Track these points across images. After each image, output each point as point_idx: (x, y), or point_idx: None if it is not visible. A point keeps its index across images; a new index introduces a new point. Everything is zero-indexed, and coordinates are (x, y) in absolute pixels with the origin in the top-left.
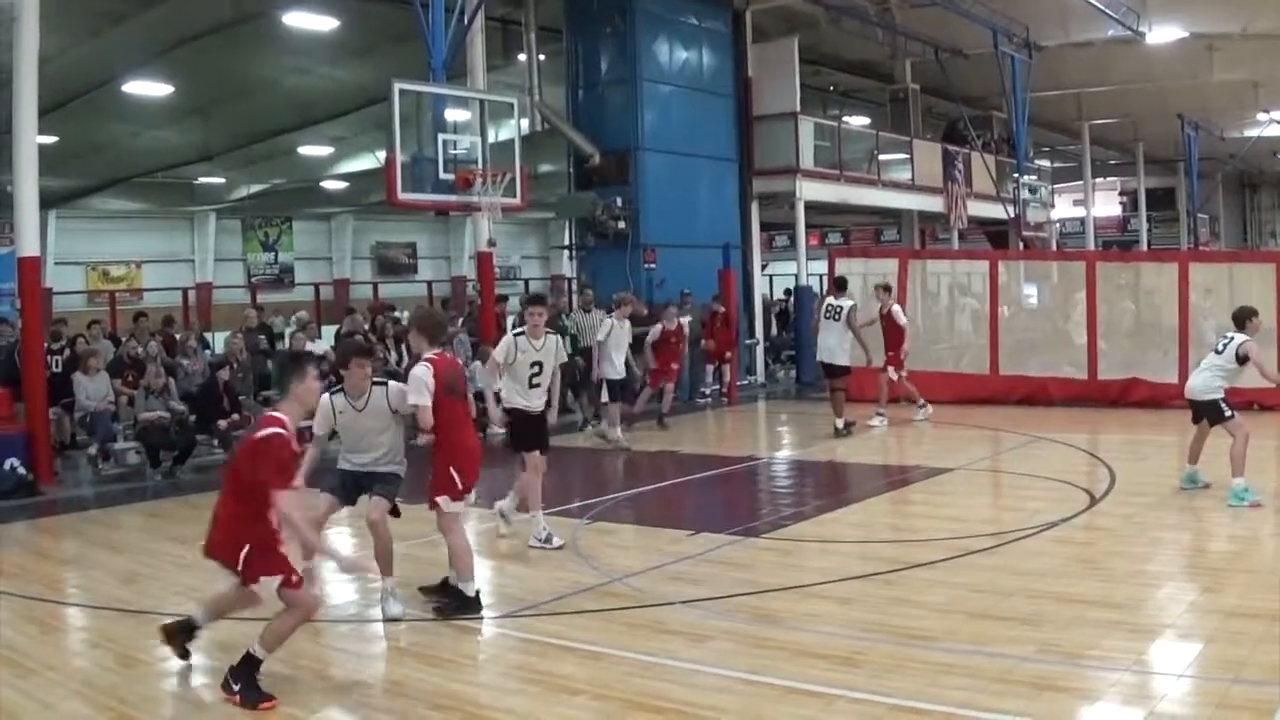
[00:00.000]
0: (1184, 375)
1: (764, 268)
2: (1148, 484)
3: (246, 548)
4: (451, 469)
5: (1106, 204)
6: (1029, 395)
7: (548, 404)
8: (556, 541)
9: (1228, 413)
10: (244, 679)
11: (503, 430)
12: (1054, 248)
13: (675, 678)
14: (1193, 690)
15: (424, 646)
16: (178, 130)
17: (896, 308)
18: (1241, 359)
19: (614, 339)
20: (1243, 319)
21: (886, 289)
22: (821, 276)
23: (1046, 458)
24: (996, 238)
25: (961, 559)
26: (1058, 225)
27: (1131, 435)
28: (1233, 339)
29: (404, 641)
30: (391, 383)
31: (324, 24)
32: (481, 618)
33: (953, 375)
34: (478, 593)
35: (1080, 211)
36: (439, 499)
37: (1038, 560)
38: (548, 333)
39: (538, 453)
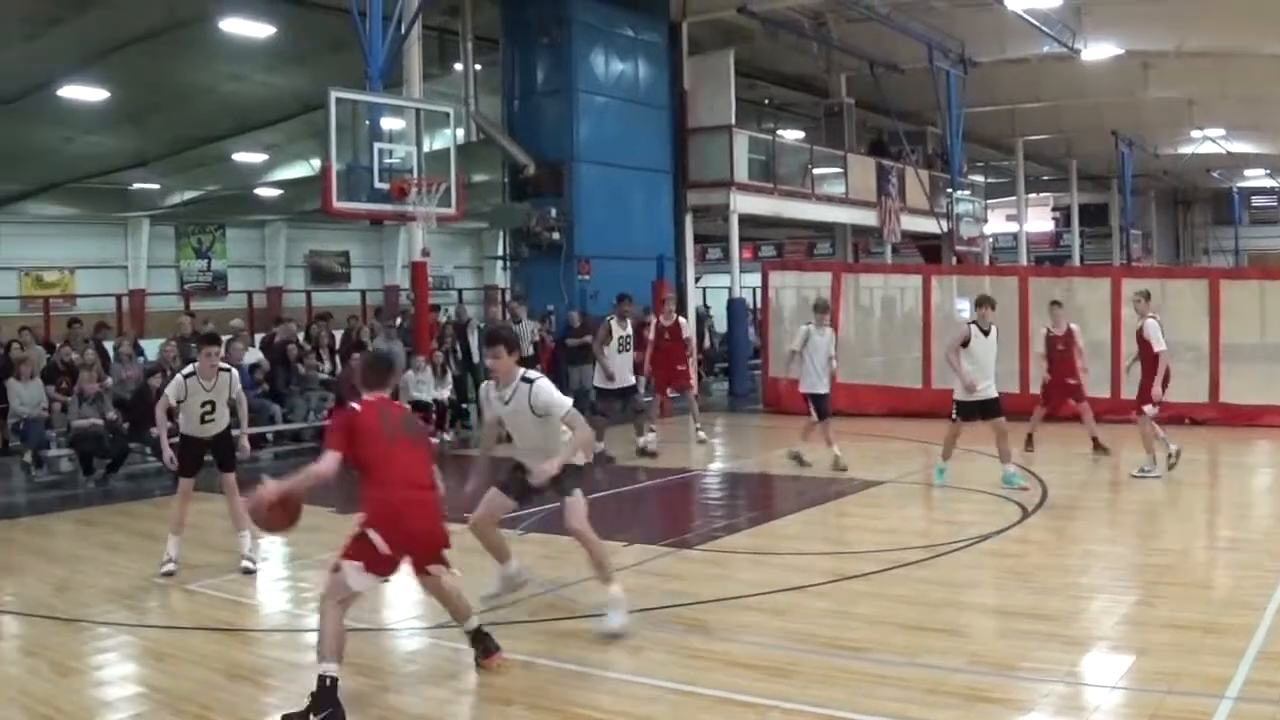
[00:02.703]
0: (1117, 389)
1: (697, 280)
2: (1080, 497)
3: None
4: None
5: (1039, 219)
6: None
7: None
8: (247, 565)
9: (953, 414)
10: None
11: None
12: (987, 263)
13: (609, 688)
14: (1126, 702)
15: (357, 656)
16: (112, 135)
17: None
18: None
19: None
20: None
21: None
22: (755, 289)
23: (979, 470)
24: (929, 252)
25: (894, 571)
26: (990, 240)
27: (1063, 448)
28: None
29: None
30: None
31: (260, 30)
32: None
33: (885, 388)
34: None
35: (1013, 227)
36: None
37: (970, 572)
38: (221, 370)
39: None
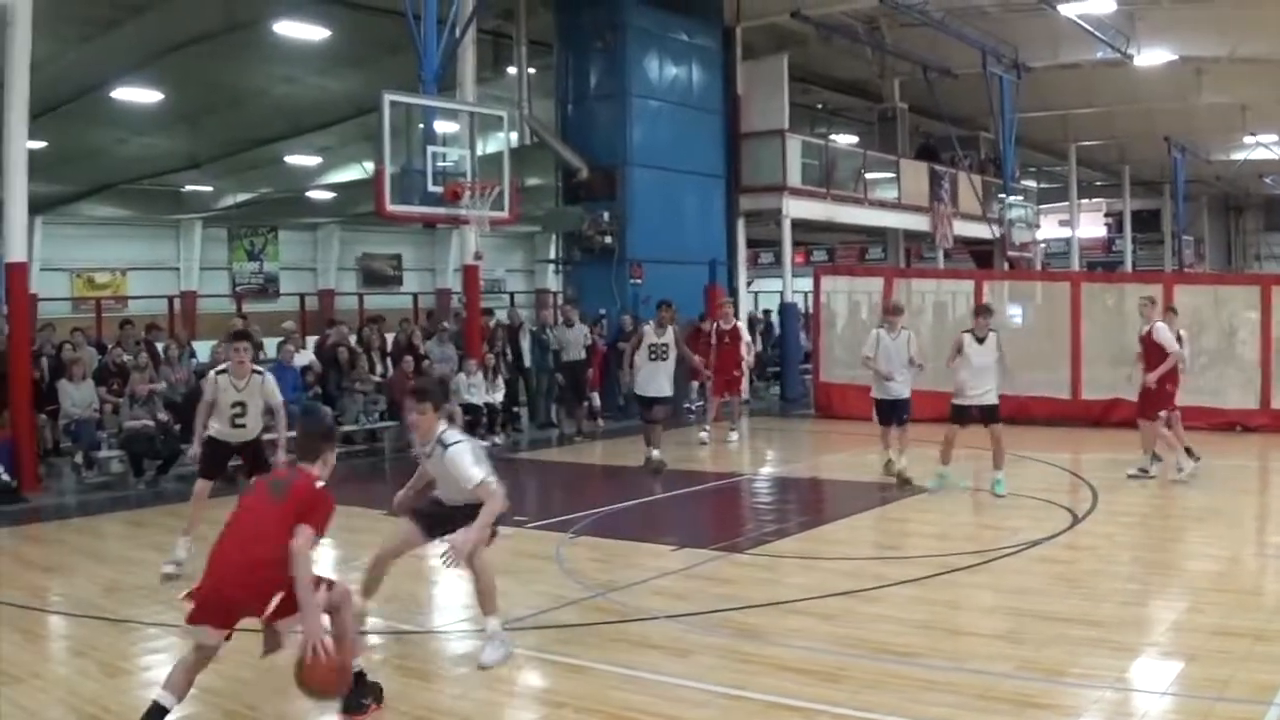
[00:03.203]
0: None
1: (749, 284)
2: (1130, 503)
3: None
4: None
5: (1092, 225)
6: (1011, 414)
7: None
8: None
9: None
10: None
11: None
12: (1039, 268)
13: (658, 692)
14: (1175, 708)
15: (406, 659)
16: (166, 137)
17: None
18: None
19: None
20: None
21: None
22: (806, 294)
23: (1029, 476)
24: (982, 257)
25: (944, 576)
26: (1043, 246)
27: (1113, 455)
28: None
29: (386, 654)
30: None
31: (315, 34)
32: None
33: (936, 393)
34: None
35: (1065, 232)
36: None
37: (1020, 578)
38: (254, 371)
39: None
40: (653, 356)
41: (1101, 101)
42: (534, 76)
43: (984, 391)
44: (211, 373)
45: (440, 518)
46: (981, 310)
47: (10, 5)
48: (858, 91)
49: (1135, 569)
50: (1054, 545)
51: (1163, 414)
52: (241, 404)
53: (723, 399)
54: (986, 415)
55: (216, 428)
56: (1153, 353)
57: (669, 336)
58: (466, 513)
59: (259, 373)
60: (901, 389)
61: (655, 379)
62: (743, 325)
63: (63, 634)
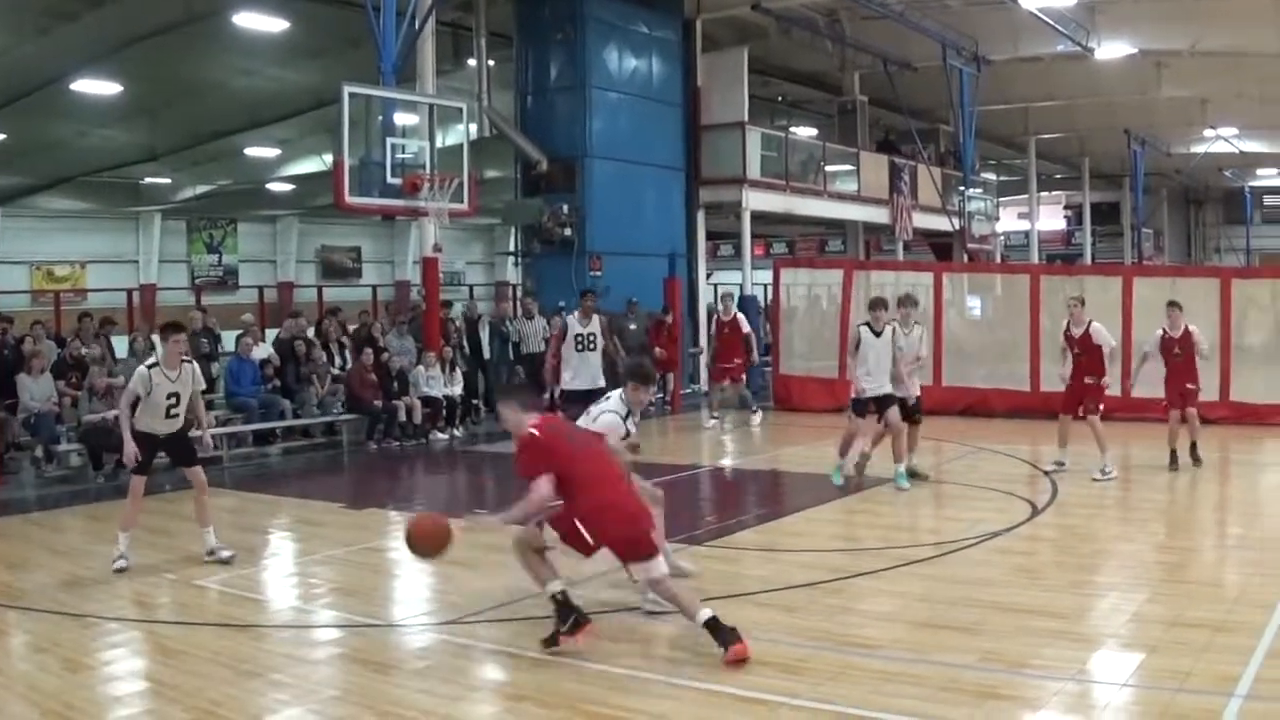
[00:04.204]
0: (1125, 388)
1: (708, 277)
2: (1090, 495)
3: None
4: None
5: (1051, 218)
6: (971, 406)
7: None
8: (224, 555)
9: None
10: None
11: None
12: (998, 260)
13: (620, 684)
14: (1135, 700)
15: (366, 652)
16: (125, 130)
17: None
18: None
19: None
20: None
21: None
22: (766, 286)
23: (989, 468)
24: (941, 250)
25: (904, 568)
26: (1002, 238)
27: (1073, 447)
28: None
29: (347, 647)
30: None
31: (274, 25)
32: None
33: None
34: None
35: (1025, 225)
36: None
37: (980, 570)
38: (184, 361)
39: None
40: (579, 348)
41: (1061, 94)
42: (493, 69)
43: (880, 385)
44: (142, 368)
45: None
46: (879, 303)
47: None
48: (818, 84)
49: (1095, 560)
50: (1014, 537)
51: (1085, 407)
52: (176, 394)
53: (721, 386)
54: (882, 406)
55: (146, 422)
56: (1094, 352)
57: (595, 326)
58: None
59: (188, 361)
60: (912, 386)
61: (585, 371)
62: (742, 316)
63: (23, 629)
